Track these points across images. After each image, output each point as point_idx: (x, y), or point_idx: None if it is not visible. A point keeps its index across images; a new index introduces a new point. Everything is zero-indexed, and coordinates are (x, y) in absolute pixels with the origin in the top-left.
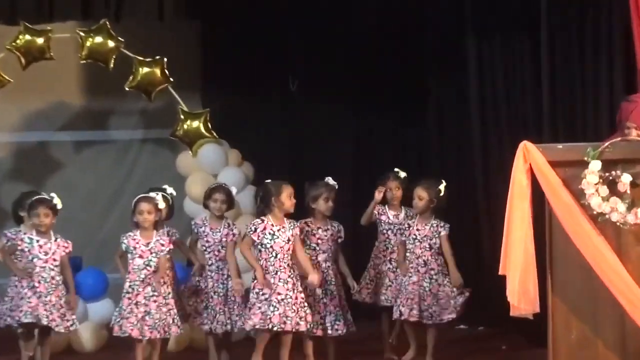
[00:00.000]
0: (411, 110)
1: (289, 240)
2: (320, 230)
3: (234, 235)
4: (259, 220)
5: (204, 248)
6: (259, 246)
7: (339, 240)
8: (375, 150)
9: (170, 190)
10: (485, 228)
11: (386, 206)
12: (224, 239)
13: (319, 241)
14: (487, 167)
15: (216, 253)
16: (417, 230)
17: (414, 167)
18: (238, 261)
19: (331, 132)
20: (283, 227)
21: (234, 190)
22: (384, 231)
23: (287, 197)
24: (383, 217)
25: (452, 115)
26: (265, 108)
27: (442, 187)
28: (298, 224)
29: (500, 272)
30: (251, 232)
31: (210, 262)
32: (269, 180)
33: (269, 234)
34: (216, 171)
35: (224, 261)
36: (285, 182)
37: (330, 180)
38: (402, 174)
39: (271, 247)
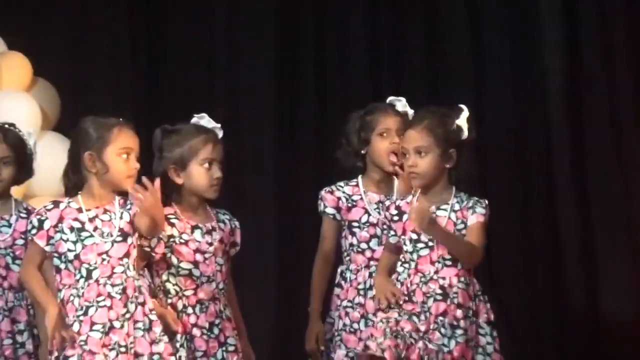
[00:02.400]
0: None
1: (124, 235)
2: (198, 233)
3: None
4: (49, 205)
5: None
6: (56, 259)
7: (233, 251)
8: (327, 55)
9: None
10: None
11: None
12: (18, 242)
13: (198, 256)
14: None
15: (0, 272)
16: None
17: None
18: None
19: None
20: (108, 212)
21: (31, 138)
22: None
23: (115, 153)
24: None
25: None
26: None
27: (462, 119)
28: None
29: None
30: (34, 232)
31: None
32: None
33: (71, 229)
34: None
35: (17, 290)
36: (121, 120)
37: (206, 120)
38: (403, 105)
39: (76, 257)
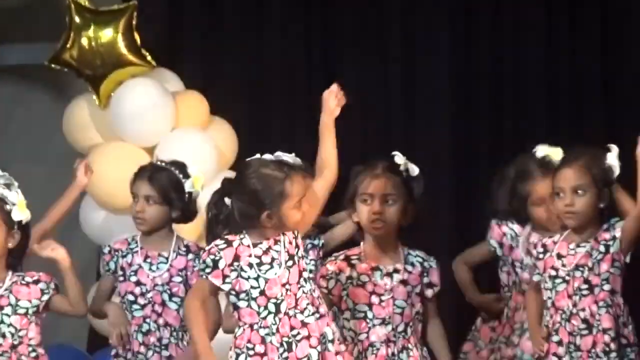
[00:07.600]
0: None
1: (291, 257)
2: (377, 275)
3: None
4: (222, 243)
5: (132, 299)
6: (233, 297)
7: (430, 292)
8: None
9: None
10: None
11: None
12: (175, 279)
13: (373, 298)
14: None
15: (156, 309)
16: (562, 256)
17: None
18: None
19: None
20: (275, 241)
21: (192, 172)
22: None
23: (291, 207)
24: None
25: None
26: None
27: (613, 158)
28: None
29: None
30: (209, 271)
31: (144, 328)
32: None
33: (250, 266)
34: (153, 139)
35: (166, 324)
36: (301, 167)
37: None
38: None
39: (261, 292)
